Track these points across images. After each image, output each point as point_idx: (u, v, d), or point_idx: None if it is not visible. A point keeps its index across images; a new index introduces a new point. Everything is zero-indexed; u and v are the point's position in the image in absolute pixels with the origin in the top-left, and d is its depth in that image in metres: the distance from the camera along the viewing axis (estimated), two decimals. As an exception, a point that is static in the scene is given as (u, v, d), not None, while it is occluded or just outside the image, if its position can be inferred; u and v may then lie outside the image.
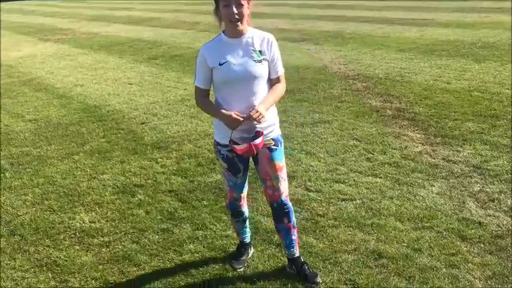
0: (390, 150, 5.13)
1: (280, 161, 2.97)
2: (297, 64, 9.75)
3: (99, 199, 4.49)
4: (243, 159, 2.97)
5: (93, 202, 4.43)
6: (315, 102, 7.01)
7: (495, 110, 6.13)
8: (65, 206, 4.39)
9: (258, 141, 2.75)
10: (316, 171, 4.73)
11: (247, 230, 3.44)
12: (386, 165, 4.78)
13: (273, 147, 2.93)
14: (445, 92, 7.10)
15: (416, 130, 5.64)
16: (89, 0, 42.27)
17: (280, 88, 2.91)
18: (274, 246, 3.52)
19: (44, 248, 3.72)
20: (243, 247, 3.43)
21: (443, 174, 4.50)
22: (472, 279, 3.05)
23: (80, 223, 4.07)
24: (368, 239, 3.54)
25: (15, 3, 58.41)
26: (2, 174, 5.18)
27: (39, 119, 7.15)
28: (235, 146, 2.76)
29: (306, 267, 3.17)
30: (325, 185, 4.44)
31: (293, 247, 3.18)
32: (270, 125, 2.90)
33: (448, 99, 6.70)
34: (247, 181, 3.17)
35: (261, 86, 2.83)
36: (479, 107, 6.28)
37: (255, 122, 2.74)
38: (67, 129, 6.60)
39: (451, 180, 4.36)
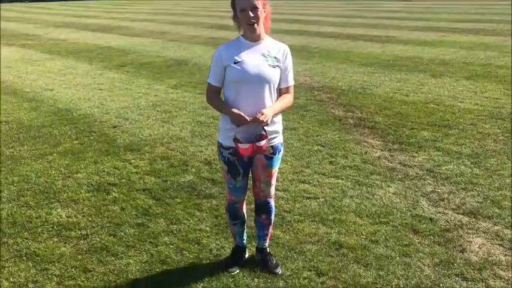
0: (351, 155, 5.50)
1: (275, 167, 3.16)
2: (265, 75, 10.09)
3: (74, 196, 4.65)
4: (243, 163, 3.09)
5: (69, 199, 4.59)
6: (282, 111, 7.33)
7: (448, 120, 6.63)
8: (41, 202, 4.53)
9: (262, 143, 2.84)
10: (283, 172, 5.03)
11: (244, 234, 3.48)
12: (347, 168, 5.13)
13: (270, 155, 3.08)
14: (403, 103, 7.58)
15: (376, 138, 6.04)
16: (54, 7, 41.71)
17: (289, 98, 3.04)
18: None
19: (23, 240, 3.86)
20: (237, 250, 3.48)
21: (399, 176, 4.89)
22: (422, 266, 3.40)
23: (57, 218, 4.22)
24: (330, 232, 3.85)
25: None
26: (-25, 173, 5.26)
27: (10, 121, 7.20)
28: (239, 144, 2.84)
29: (270, 257, 3.43)
30: (291, 185, 4.75)
31: (264, 240, 3.45)
32: (274, 133, 3.03)
33: (406, 110, 7.17)
34: (247, 186, 3.27)
35: (271, 92, 2.94)
36: (434, 118, 6.76)
37: (262, 125, 2.85)
38: (39, 131, 6.70)
39: (406, 182, 4.75)
